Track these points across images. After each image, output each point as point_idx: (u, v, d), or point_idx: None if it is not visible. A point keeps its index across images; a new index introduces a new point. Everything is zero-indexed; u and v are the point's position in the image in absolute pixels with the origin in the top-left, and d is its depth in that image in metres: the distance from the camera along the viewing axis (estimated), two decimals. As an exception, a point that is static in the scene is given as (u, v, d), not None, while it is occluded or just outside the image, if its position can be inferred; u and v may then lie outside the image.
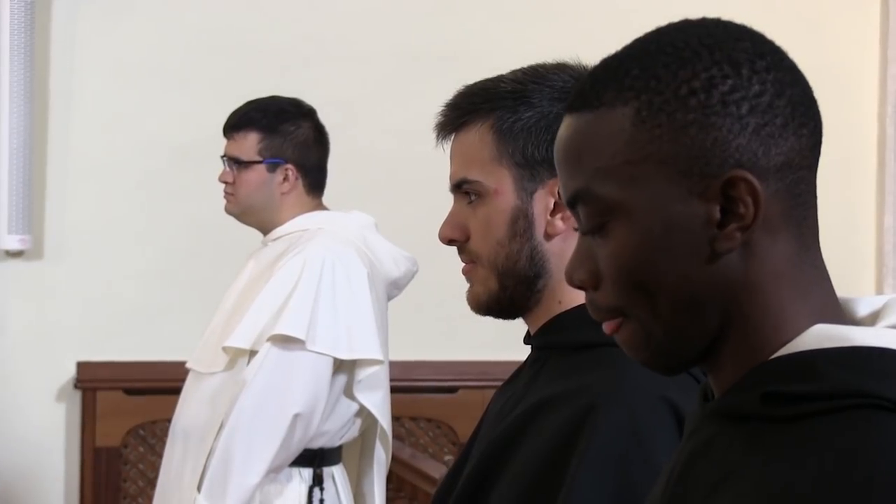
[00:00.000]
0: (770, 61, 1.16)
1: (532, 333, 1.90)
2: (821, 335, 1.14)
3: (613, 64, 1.19)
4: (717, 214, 1.14)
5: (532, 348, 1.91)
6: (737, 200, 1.13)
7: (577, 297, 1.83)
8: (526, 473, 1.75)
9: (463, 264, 1.89)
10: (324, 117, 4.90)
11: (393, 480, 4.50)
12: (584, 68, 1.85)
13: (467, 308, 1.97)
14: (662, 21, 1.23)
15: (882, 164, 5.32)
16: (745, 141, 1.14)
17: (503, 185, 1.83)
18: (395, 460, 4.49)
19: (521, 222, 1.83)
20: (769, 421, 1.13)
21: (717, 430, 1.17)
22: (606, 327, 1.20)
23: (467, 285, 1.90)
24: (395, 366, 4.95)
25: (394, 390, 4.94)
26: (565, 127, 1.21)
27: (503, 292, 1.85)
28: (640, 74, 1.16)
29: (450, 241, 1.88)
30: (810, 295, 1.17)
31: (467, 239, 1.86)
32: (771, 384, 1.13)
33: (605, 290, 1.19)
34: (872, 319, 1.19)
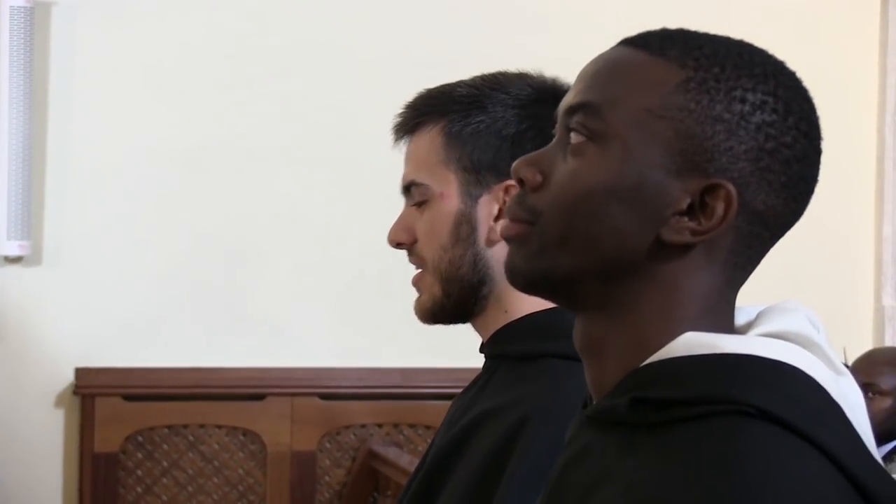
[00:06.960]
0: (813, 133, 1.19)
1: (483, 342, 1.90)
2: (690, 342, 1.15)
3: (692, 35, 1.21)
4: (684, 206, 1.16)
5: (485, 357, 1.91)
6: (708, 206, 1.16)
7: (524, 307, 1.83)
8: (466, 483, 1.75)
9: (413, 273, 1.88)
10: (324, 123, 4.90)
11: (391, 488, 4.50)
12: (545, 79, 1.87)
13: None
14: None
15: (881, 173, 5.32)
16: (749, 169, 1.16)
17: (449, 189, 1.83)
18: (394, 467, 4.49)
19: (465, 227, 1.83)
20: (639, 427, 1.14)
21: (593, 436, 1.19)
22: (511, 227, 1.22)
23: None
24: (394, 373, 4.96)
25: (393, 397, 4.96)
26: (614, 51, 1.22)
27: (447, 299, 1.84)
28: (710, 55, 1.18)
29: (397, 245, 1.88)
30: (708, 322, 1.18)
31: (414, 242, 1.86)
32: (638, 390, 1.15)
33: (542, 195, 1.20)
34: (748, 328, 1.20)
